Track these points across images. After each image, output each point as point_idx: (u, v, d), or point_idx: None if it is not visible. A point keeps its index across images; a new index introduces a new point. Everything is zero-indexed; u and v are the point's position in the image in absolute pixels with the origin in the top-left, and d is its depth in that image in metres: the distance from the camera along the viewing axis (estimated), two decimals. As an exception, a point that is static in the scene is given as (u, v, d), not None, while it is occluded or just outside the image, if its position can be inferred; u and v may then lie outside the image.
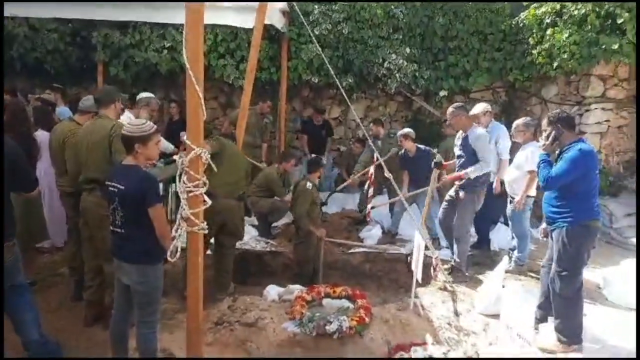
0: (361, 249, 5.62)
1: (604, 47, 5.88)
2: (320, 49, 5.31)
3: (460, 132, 4.75)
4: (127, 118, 4.49)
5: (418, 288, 4.33)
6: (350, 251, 5.61)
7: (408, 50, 7.13)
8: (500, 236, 5.86)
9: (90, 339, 3.32)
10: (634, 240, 4.92)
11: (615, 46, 5.76)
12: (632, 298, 4.15)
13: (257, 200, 5.74)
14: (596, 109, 6.45)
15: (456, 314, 3.98)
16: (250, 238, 5.51)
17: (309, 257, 4.85)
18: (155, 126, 2.73)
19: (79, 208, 3.44)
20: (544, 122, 3.43)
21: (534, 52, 6.73)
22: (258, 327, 3.42)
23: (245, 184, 4.35)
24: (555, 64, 6.42)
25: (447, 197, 4.95)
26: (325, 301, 3.85)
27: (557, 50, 6.27)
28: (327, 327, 3.29)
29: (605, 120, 6.49)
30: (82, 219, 3.46)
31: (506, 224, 5.76)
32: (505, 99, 7.78)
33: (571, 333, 3.32)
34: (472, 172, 4.52)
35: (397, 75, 7.08)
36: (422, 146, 5.89)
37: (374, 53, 7.17)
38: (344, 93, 4.90)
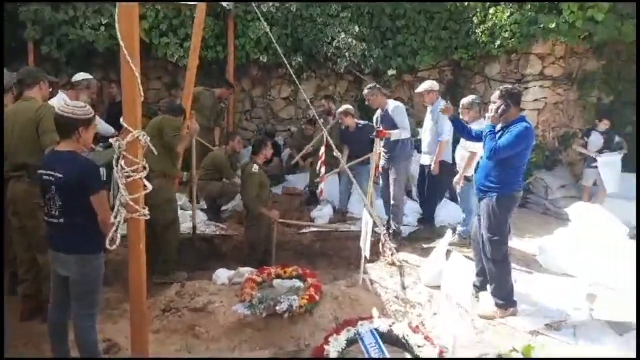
0: (312, 229, 5.67)
1: (542, 26, 6.13)
2: (267, 26, 5.20)
3: (379, 110, 5.31)
4: (61, 100, 4.22)
5: (367, 264, 4.45)
6: (301, 231, 5.64)
7: (357, 28, 7.12)
8: (447, 212, 6.09)
9: (27, 334, 3.17)
10: (567, 210, 5.23)
11: (552, 25, 6.01)
12: (565, 264, 4.46)
13: (205, 184, 5.62)
14: (535, 86, 6.73)
15: (403, 287, 4.13)
16: (200, 222, 5.41)
17: (261, 240, 4.83)
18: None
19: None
20: (495, 94, 3.54)
21: (478, 31, 6.91)
22: (207, 311, 3.39)
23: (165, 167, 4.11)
24: (497, 43, 6.63)
25: (380, 171, 5.38)
26: (275, 282, 3.86)
27: (499, 29, 6.47)
28: (277, 307, 3.30)
29: (543, 97, 6.80)
30: (10, 208, 3.24)
31: (452, 199, 6.03)
32: (450, 78, 7.98)
33: (505, 296, 3.55)
34: (393, 134, 5.05)
35: (346, 54, 7.07)
36: (361, 121, 6.01)
37: (322, 31, 7.10)
38: (292, 73, 4.85)
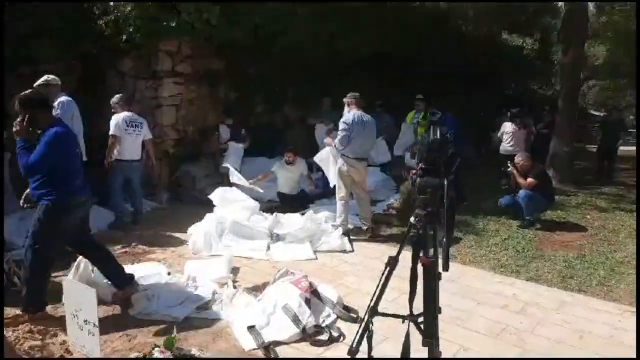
0: None
1: (165, 23, 6.31)
2: None
3: None
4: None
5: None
6: None
7: None
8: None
9: None
10: (210, 196, 5.68)
11: (174, 24, 6.28)
12: (212, 245, 4.83)
13: None
14: (169, 82, 6.94)
15: None
16: None
17: None
18: None
19: None
20: (16, 105, 3.21)
21: (101, 22, 6.51)
22: None
23: None
24: (124, 37, 6.43)
25: None
26: None
27: (123, 22, 6.28)
28: None
29: (179, 94, 7.09)
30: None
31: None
32: (81, 72, 7.26)
33: (36, 301, 3.31)
34: None
35: None
36: None
37: None
38: None
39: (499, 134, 8.70)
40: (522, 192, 5.95)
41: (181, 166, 7.05)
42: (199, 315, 3.52)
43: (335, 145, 5.42)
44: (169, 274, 4.08)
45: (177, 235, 5.35)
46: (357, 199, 5.63)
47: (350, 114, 5.39)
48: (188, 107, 7.25)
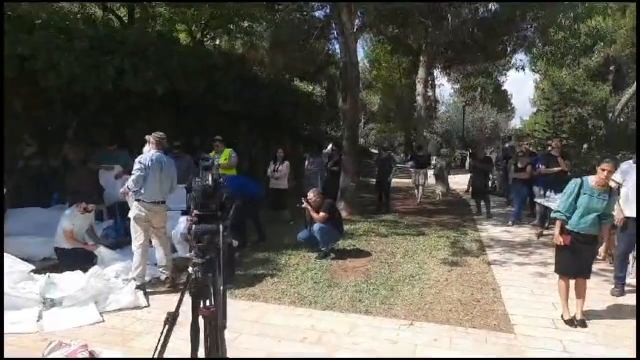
0: None
1: None
2: None
3: None
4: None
5: None
6: None
7: None
8: None
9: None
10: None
11: None
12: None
13: None
14: None
15: None
16: None
17: None
18: None
19: None
20: None
21: None
22: None
23: None
24: None
25: None
26: None
27: None
28: None
29: None
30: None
31: None
32: None
33: None
34: None
35: None
36: None
37: None
38: None
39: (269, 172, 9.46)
40: (316, 226, 6.38)
41: None
42: None
43: (128, 187, 5.01)
44: None
45: None
46: (156, 246, 5.20)
47: (148, 154, 5.12)
48: None
